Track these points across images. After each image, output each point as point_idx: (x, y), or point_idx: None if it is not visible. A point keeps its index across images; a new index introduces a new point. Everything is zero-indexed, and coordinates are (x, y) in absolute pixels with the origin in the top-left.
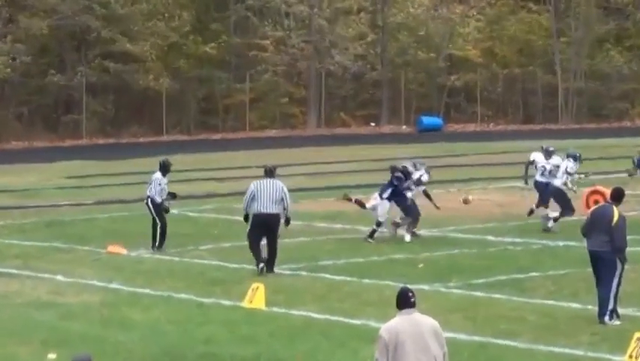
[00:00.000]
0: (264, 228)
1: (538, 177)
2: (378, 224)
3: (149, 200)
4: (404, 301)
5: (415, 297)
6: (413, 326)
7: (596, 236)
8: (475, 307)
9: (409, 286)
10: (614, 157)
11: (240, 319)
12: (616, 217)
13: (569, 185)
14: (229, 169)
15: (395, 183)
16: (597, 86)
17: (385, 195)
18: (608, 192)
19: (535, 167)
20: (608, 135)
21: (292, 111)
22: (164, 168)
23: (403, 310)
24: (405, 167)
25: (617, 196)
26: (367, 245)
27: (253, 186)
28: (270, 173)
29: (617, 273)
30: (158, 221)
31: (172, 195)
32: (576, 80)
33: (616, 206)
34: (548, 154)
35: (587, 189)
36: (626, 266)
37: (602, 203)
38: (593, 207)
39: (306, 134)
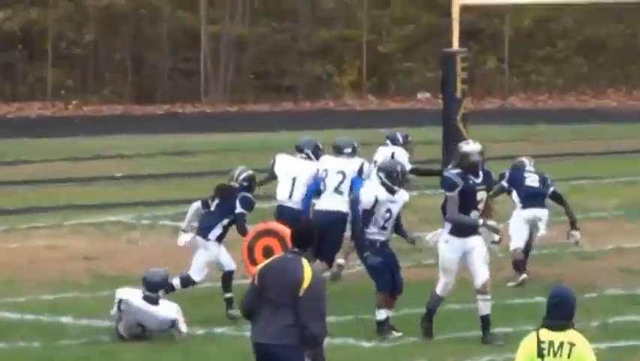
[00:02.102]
0: None
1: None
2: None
3: None
4: None
5: None
6: None
7: (270, 317)
8: None
9: None
10: None
11: None
12: (307, 279)
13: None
14: None
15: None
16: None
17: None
18: (287, 232)
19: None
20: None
21: None
22: None
23: None
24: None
25: (303, 239)
26: None
27: None
28: None
29: None
30: None
31: None
32: (234, 21)
33: (306, 258)
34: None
35: (251, 230)
36: None
37: (279, 253)
38: (262, 263)
39: None
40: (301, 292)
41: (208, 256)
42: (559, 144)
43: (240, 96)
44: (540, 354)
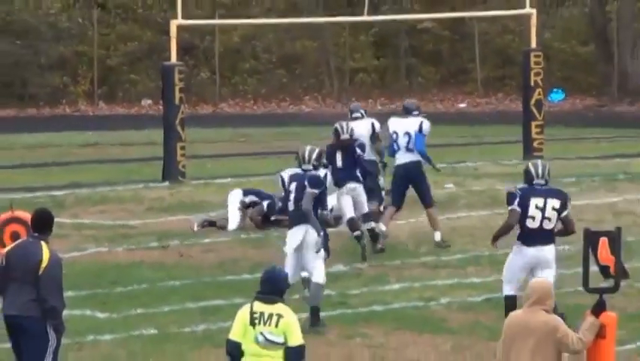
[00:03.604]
0: None
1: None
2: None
3: None
4: None
5: None
6: None
7: (16, 292)
8: None
9: None
10: None
11: None
12: (45, 260)
13: None
14: None
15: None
16: None
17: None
18: None
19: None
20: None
21: None
22: None
23: None
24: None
25: (42, 224)
26: None
27: None
28: None
29: (50, 351)
30: None
31: None
32: None
33: (45, 241)
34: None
35: (1, 217)
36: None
37: (23, 238)
38: (9, 246)
39: None
40: (40, 271)
41: None
42: (262, 143)
43: None
44: (252, 323)
